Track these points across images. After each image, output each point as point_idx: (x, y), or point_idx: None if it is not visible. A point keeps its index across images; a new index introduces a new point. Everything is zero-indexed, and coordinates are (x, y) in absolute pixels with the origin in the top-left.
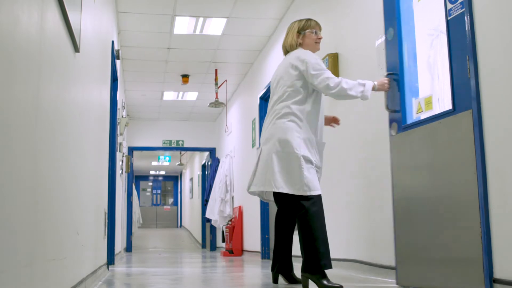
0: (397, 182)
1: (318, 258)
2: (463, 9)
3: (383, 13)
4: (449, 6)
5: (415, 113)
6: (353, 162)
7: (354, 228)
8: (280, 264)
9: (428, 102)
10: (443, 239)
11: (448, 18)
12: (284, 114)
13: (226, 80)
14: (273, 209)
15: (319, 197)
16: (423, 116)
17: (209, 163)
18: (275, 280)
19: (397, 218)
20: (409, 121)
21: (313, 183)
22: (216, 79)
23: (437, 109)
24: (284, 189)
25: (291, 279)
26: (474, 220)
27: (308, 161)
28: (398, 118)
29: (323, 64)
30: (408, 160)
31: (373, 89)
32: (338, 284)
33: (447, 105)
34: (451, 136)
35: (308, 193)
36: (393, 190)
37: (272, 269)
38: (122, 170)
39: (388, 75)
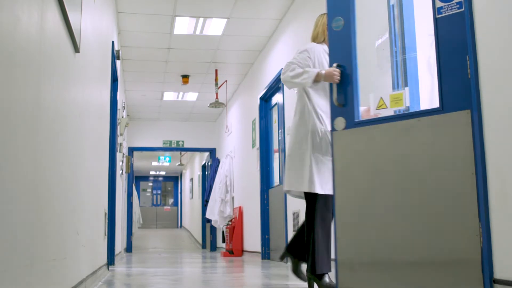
0: (342, 181)
1: (314, 258)
2: (461, 9)
3: (326, 0)
4: (439, 4)
5: (373, 109)
6: None
7: None
8: (293, 248)
9: (397, 99)
10: (425, 240)
11: (437, 16)
12: (296, 110)
13: (226, 81)
14: (273, 209)
15: (322, 196)
16: (388, 113)
17: (209, 163)
18: (282, 258)
19: (342, 219)
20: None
21: (316, 181)
22: (216, 80)
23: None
24: (288, 186)
25: (296, 269)
26: (472, 220)
27: (317, 157)
28: (347, 113)
29: (307, 56)
30: (362, 158)
31: (319, 78)
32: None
33: (426, 104)
34: (437, 134)
35: (310, 190)
36: (336, 190)
37: (286, 248)
38: (122, 170)
39: (337, 66)
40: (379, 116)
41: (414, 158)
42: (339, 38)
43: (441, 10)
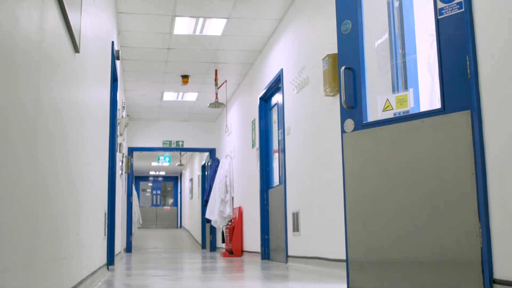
0: (352, 181)
1: None
2: (461, 9)
3: (335, 4)
4: (441, 5)
5: (380, 111)
6: None
7: None
8: None
9: (402, 100)
10: (426, 240)
11: (439, 17)
12: None
13: (226, 81)
14: (273, 209)
15: None
16: (394, 114)
17: (209, 163)
18: None
19: (352, 219)
20: (372, 118)
21: None
22: (216, 80)
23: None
24: None
25: None
26: (472, 220)
27: None
28: (356, 115)
29: None
30: (370, 159)
31: None
32: None
33: (425, 104)
34: (439, 135)
35: None
36: (346, 190)
37: None
38: (122, 170)
39: (345, 69)
40: None
41: (418, 159)
42: (348, 41)
43: (443, 11)
